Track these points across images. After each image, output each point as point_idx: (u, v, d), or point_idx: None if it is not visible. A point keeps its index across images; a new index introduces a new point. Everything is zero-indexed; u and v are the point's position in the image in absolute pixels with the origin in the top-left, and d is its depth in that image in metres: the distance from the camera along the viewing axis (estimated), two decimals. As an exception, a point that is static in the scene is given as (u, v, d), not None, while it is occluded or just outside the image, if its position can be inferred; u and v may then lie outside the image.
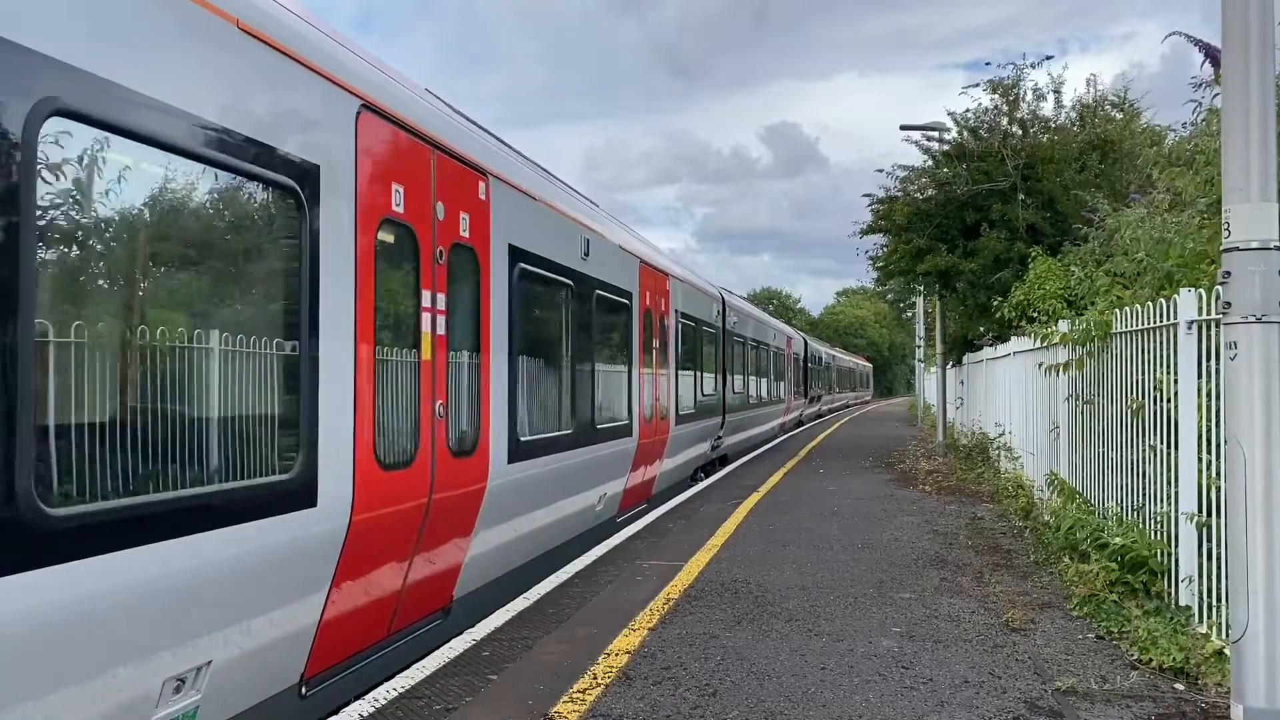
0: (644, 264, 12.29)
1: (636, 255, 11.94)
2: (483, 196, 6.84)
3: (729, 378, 19.24)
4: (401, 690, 5.36)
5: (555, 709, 5.04)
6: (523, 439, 7.54)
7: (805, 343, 38.70)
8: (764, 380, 25.28)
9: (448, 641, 6.32)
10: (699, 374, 16.13)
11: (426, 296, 5.95)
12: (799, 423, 36.09)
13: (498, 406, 7.05)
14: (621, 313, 11.18)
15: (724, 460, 19.38)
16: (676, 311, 14.18)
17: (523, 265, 7.67)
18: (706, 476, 16.96)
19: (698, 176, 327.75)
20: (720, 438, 18.40)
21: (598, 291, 9.90)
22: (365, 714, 5.01)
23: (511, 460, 7.24)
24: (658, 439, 12.68)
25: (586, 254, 9.52)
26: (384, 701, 5.18)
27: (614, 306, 10.75)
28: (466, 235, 6.53)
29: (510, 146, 8.52)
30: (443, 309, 6.14)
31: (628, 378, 11.30)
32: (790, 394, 31.90)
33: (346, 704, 5.20)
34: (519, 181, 7.82)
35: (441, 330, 6.10)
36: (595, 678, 5.54)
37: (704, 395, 16.53)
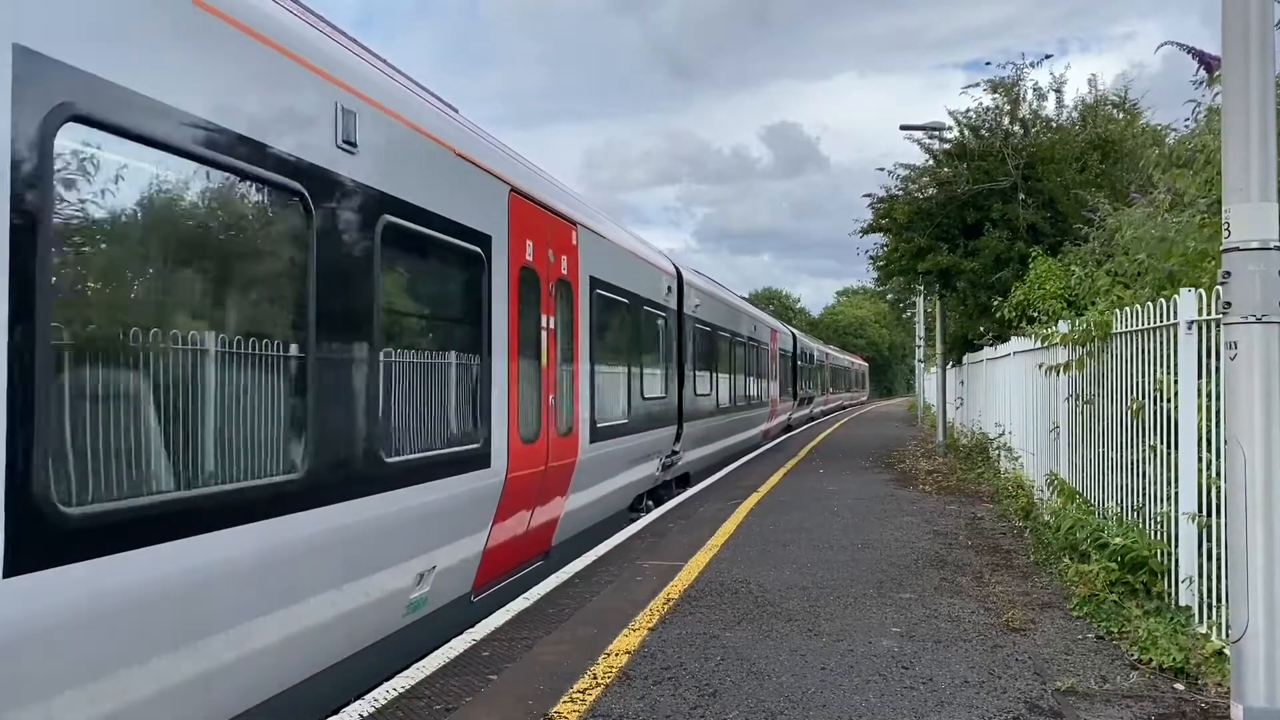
0: (519, 196, 7.71)
1: (504, 180, 7.46)
2: None
3: (689, 376, 15.23)
4: (401, 690, 5.36)
5: (555, 709, 5.04)
6: (110, 507, 3.56)
7: (794, 338, 35.23)
8: (741, 380, 21.23)
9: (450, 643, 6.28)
10: (637, 370, 11.88)
11: None
12: (788, 428, 32.89)
13: None
14: (462, 266, 6.78)
15: (685, 481, 15.61)
16: (591, 280, 9.82)
17: (102, 118, 3.55)
18: (656, 505, 13.21)
19: (698, 176, 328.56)
20: (676, 453, 14.35)
21: (388, 218, 5.56)
22: (365, 714, 5.01)
23: (60, 558, 3.32)
24: (555, 466, 8.48)
25: (351, 142, 5.18)
26: (384, 701, 5.18)
27: (440, 252, 6.42)
28: None
29: None
30: None
31: (481, 373, 6.93)
32: (776, 396, 28.17)
33: (346, 704, 5.20)
34: None
35: None
36: (595, 678, 5.54)
37: (646, 399, 12.31)
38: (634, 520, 11.74)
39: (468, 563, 6.83)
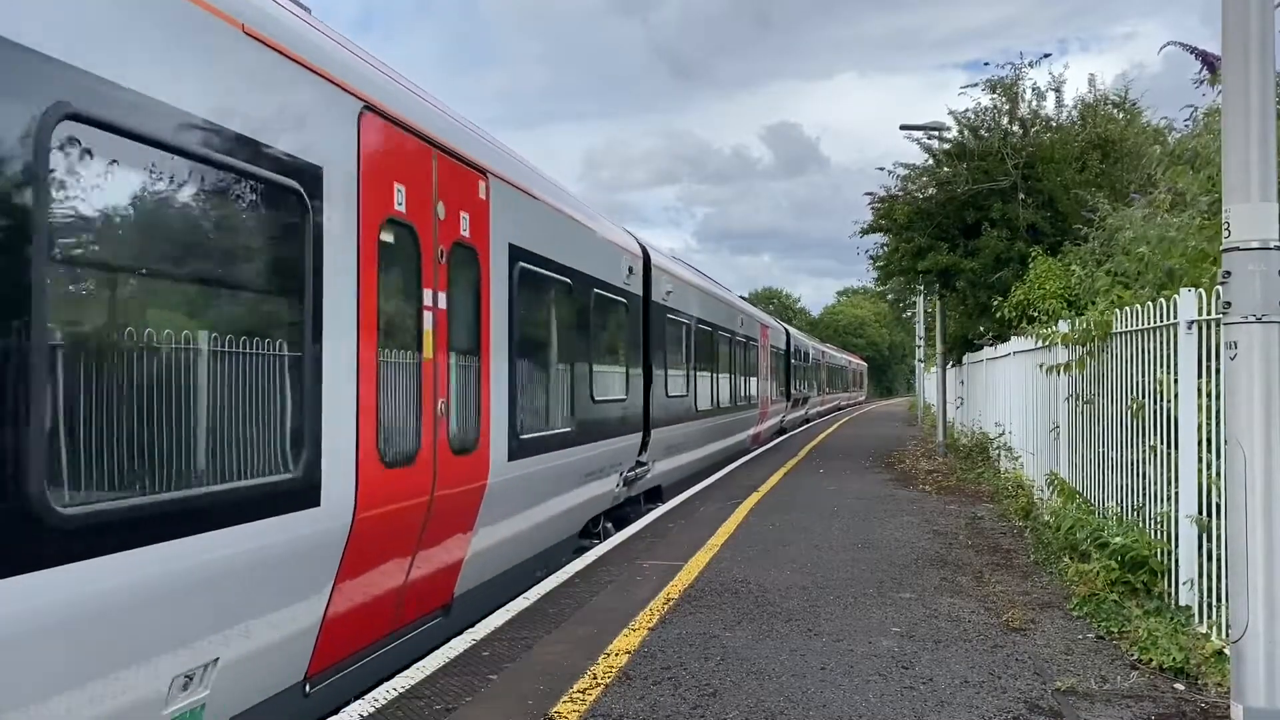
0: (380, 118, 5.51)
1: (352, 92, 5.24)
2: None
3: (658, 374, 13.13)
4: (401, 690, 5.36)
5: (555, 709, 5.04)
6: None
7: (787, 334, 33.10)
8: (725, 379, 19.13)
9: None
10: (585, 368, 9.69)
11: None
12: (780, 430, 30.63)
13: None
14: (256, 206, 4.45)
15: (656, 495, 13.49)
16: (511, 249, 7.52)
17: None
18: (618, 528, 11.22)
19: (698, 176, 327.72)
20: (642, 464, 12.21)
21: (76, 109, 3.35)
22: (365, 714, 5.01)
23: None
24: (449, 494, 6.29)
25: None
26: (384, 701, 5.18)
27: (205, 181, 4.11)
28: None
29: None
30: None
31: (298, 368, 4.68)
32: (767, 396, 26.11)
33: (346, 703, 5.20)
34: None
35: None
36: (595, 678, 5.54)
37: (599, 402, 10.15)
38: (582, 552, 9.63)
39: (289, 644, 4.75)
